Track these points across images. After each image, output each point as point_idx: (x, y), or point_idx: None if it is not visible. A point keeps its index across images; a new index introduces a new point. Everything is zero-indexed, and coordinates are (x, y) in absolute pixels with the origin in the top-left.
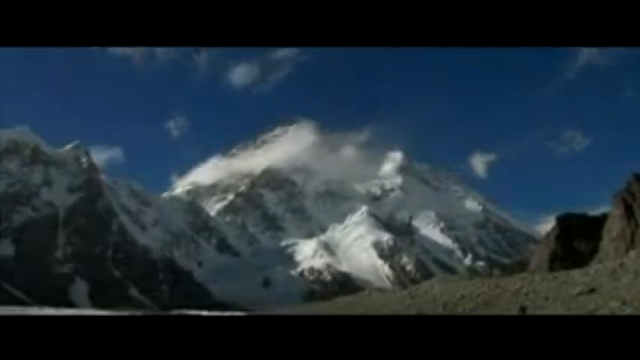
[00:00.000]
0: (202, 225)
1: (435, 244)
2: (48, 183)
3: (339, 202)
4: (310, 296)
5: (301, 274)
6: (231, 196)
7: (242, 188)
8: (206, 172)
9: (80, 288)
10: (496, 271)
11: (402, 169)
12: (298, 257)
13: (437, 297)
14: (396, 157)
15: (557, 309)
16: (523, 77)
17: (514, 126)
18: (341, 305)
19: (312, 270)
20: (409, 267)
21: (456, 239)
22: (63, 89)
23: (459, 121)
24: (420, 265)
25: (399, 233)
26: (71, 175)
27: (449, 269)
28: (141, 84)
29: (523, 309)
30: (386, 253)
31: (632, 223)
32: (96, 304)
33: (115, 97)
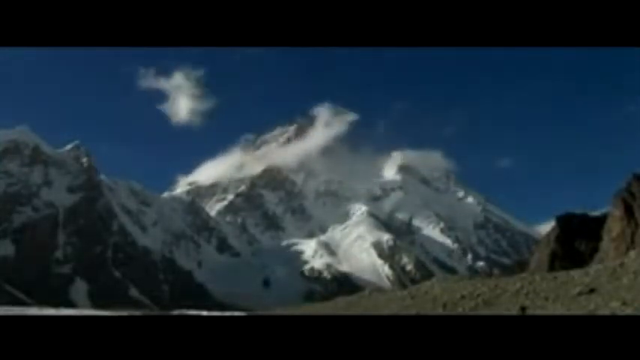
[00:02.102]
0: (202, 225)
1: (435, 244)
2: (48, 183)
3: (339, 202)
4: (310, 296)
5: (301, 274)
6: (231, 196)
7: (242, 188)
8: (206, 172)
9: (80, 288)
10: (496, 271)
11: (402, 169)
12: (298, 257)
13: (437, 297)
14: (396, 157)
15: (557, 309)
16: (522, 74)
17: (513, 125)
18: (341, 305)
19: (312, 270)
20: (409, 267)
21: (456, 239)
22: (63, 89)
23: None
24: (420, 265)
25: (399, 233)
26: (71, 175)
27: (449, 269)
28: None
29: (523, 309)
30: (386, 253)
31: (632, 223)
32: (96, 304)
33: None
